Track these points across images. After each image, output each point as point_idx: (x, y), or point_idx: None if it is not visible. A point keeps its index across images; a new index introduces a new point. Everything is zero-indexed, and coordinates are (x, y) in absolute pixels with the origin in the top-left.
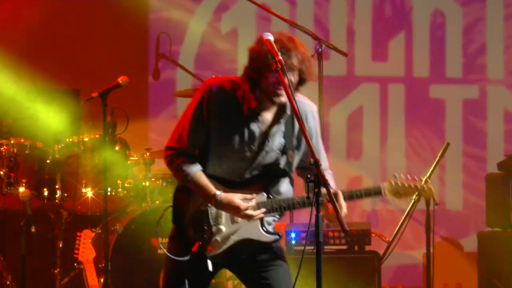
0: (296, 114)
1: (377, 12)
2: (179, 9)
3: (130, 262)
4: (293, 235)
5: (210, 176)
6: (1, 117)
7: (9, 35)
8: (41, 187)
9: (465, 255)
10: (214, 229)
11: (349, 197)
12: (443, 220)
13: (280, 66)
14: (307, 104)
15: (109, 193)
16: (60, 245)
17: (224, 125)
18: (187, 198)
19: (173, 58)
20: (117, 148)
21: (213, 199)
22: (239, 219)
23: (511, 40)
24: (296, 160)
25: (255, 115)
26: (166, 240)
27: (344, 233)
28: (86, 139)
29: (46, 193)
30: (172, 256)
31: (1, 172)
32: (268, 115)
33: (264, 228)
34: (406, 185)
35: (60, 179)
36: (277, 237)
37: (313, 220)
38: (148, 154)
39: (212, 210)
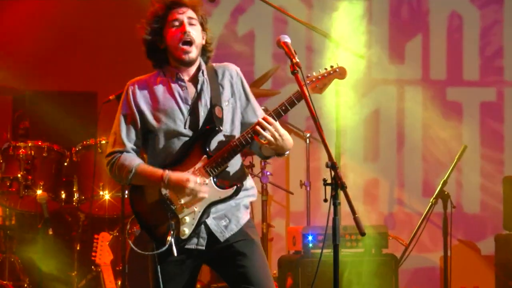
0: (313, 117)
1: (394, 14)
2: None
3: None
4: (310, 238)
5: (161, 164)
6: (19, 120)
7: (27, 38)
8: (58, 189)
9: (483, 258)
10: (177, 210)
11: (277, 114)
12: (460, 223)
13: (297, 69)
14: (227, 66)
15: (126, 196)
16: (78, 248)
17: (157, 107)
18: (141, 197)
19: None
20: None
21: (161, 179)
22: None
23: None
24: (228, 117)
25: (180, 81)
26: None
27: (361, 236)
28: (103, 142)
29: (63, 196)
30: (143, 252)
31: (19, 175)
32: (188, 78)
33: (218, 185)
34: (320, 76)
35: (78, 181)
36: (234, 188)
37: (330, 223)
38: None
39: (167, 195)
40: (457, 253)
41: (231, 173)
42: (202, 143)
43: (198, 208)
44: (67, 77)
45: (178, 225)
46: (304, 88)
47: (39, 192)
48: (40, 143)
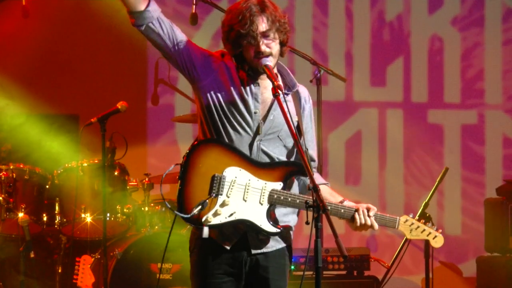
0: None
1: (375, 37)
2: None
3: (129, 287)
4: (292, 260)
5: (229, 145)
6: (0, 143)
7: (9, 61)
8: (40, 212)
9: (464, 280)
10: (220, 198)
11: (378, 221)
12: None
13: (278, 92)
14: (303, 87)
15: (108, 218)
16: (59, 271)
17: (227, 85)
18: (200, 159)
19: (172, 83)
20: (116, 173)
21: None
22: (248, 200)
23: (509, 65)
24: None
25: (254, 80)
26: (165, 265)
27: (343, 258)
28: (85, 164)
29: (45, 219)
30: (179, 213)
31: (0, 198)
32: (265, 84)
33: (268, 215)
34: (420, 226)
35: (59, 204)
36: (277, 230)
37: (312, 245)
38: (147, 179)
39: (228, 179)
40: (439, 275)
41: (285, 213)
42: (286, 172)
43: (236, 214)
44: (49, 100)
45: (209, 209)
46: (286, 110)
47: (20, 215)
48: (22, 166)
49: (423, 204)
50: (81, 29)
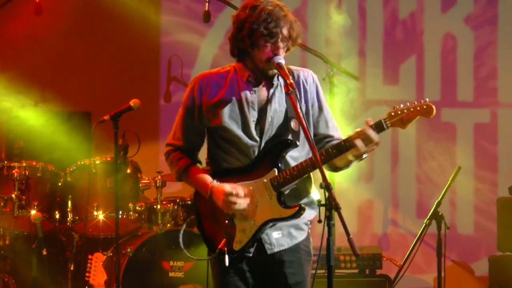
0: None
1: (388, 35)
2: (191, 32)
3: (141, 285)
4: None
5: (225, 171)
6: (13, 140)
7: (21, 58)
8: (52, 209)
9: (476, 279)
10: (235, 219)
11: (378, 128)
12: (454, 244)
13: (291, 90)
14: (305, 71)
15: (120, 216)
16: (72, 268)
17: (222, 107)
18: (205, 199)
19: (185, 81)
20: (128, 171)
21: (207, 190)
22: (257, 203)
23: None
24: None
25: (250, 86)
26: (177, 263)
27: (355, 257)
28: (97, 162)
29: (57, 216)
30: (196, 258)
31: (13, 195)
32: (261, 82)
33: (282, 202)
34: (406, 111)
35: (72, 201)
36: (296, 209)
37: (324, 244)
38: (159, 177)
39: None
40: (451, 274)
41: (300, 192)
42: (273, 155)
43: (256, 221)
44: (62, 97)
45: (233, 235)
46: (298, 108)
47: (33, 212)
48: (34, 163)
49: (435, 203)
50: (94, 26)
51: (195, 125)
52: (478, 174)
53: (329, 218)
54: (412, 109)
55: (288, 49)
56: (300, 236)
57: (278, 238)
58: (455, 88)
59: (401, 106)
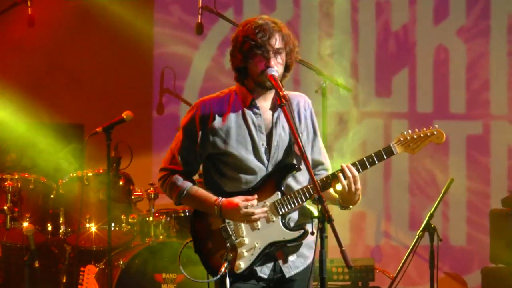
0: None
1: (380, 47)
2: (184, 44)
3: None
4: None
5: (225, 194)
6: (5, 152)
7: (14, 69)
8: (45, 222)
9: None
10: (237, 243)
11: (362, 166)
12: (447, 256)
13: (284, 102)
14: (300, 96)
15: (112, 228)
16: (64, 280)
17: (228, 132)
18: (203, 221)
19: (178, 92)
20: (121, 183)
21: (215, 205)
22: (259, 225)
23: None
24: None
25: (254, 108)
26: (170, 275)
27: (348, 269)
28: (90, 174)
29: (50, 228)
30: (195, 280)
31: (5, 207)
32: (265, 104)
33: (285, 225)
34: (416, 136)
35: (64, 213)
36: (302, 231)
37: (317, 256)
38: (152, 189)
39: (231, 225)
40: (444, 286)
41: (302, 214)
42: (277, 179)
43: (259, 245)
44: (54, 109)
45: (234, 258)
46: (291, 121)
47: (25, 224)
48: (26, 175)
49: (428, 215)
50: (87, 38)
51: (196, 150)
52: (470, 186)
53: (322, 230)
54: (422, 135)
55: (287, 66)
56: (311, 256)
57: (293, 260)
58: (447, 100)
59: (409, 131)
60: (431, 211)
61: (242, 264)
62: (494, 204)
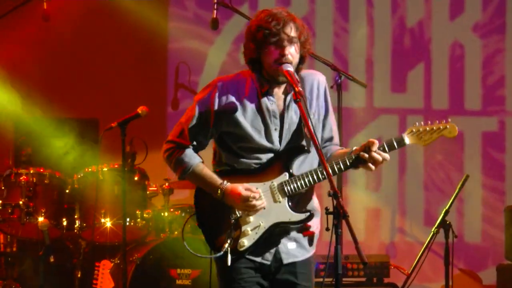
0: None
1: (396, 43)
2: (198, 39)
3: None
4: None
5: (232, 170)
6: (21, 147)
7: (29, 65)
8: (60, 216)
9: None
10: (241, 220)
11: (390, 146)
12: (461, 252)
13: (300, 97)
14: (315, 74)
15: (127, 223)
16: (79, 275)
17: (244, 116)
18: (208, 197)
19: (192, 88)
20: (136, 178)
21: (219, 188)
22: (265, 205)
23: None
24: (317, 137)
25: (269, 95)
26: (184, 270)
27: (363, 265)
28: (105, 169)
29: (65, 223)
30: (197, 254)
31: (20, 202)
32: (279, 90)
33: (292, 207)
34: (428, 128)
35: (79, 208)
36: (307, 214)
37: (332, 252)
38: (167, 184)
39: None
40: (459, 283)
41: (306, 198)
42: (285, 160)
43: (264, 224)
44: (69, 104)
45: (238, 235)
46: (306, 116)
47: (40, 219)
48: (42, 170)
49: (443, 211)
50: (102, 33)
51: (209, 128)
52: (485, 183)
53: (337, 226)
54: (435, 128)
55: (301, 57)
56: (311, 250)
57: (293, 249)
58: (462, 96)
59: (422, 123)
60: (446, 208)
61: (245, 242)
62: (509, 201)
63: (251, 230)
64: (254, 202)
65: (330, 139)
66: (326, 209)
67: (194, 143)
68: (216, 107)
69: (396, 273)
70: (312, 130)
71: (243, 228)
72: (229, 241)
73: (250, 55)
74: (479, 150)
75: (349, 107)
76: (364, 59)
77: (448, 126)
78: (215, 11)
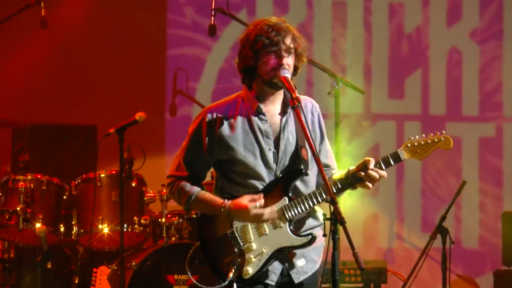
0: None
1: (393, 49)
2: (197, 45)
3: None
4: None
5: (233, 198)
6: (18, 153)
7: (26, 71)
8: (57, 223)
9: None
10: (244, 248)
11: (386, 164)
12: (459, 258)
13: (297, 104)
14: (308, 100)
15: (125, 230)
16: (76, 281)
17: (236, 138)
18: (211, 226)
19: (190, 94)
20: (133, 184)
21: (222, 207)
22: (267, 231)
23: None
24: (315, 146)
25: (260, 114)
26: (182, 276)
27: (360, 271)
28: (102, 175)
29: (62, 229)
30: (203, 286)
31: (18, 208)
32: (273, 108)
33: (293, 231)
34: (423, 142)
35: (77, 215)
36: (309, 237)
37: (329, 258)
38: (164, 190)
39: (238, 230)
40: None
41: (307, 221)
42: (284, 184)
43: (267, 250)
44: (67, 111)
45: (242, 263)
46: (304, 123)
47: (38, 225)
48: (39, 176)
49: (440, 217)
50: (100, 40)
51: (204, 156)
52: (483, 188)
53: (334, 232)
54: (429, 141)
55: (295, 68)
56: (319, 260)
57: (303, 266)
58: (460, 102)
59: (417, 137)
60: (444, 214)
61: (250, 270)
62: (506, 207)
63: (255, 257)
64: (262, 210)
65: (328, 166)
66: (324, 215)
67: (192, 173)
68: (207, 133)
69: (394, 279)
70: (309, 134)
71: (247, 256)
72: (234, 270)
73: (246, 63)
74: (477, 156)
75: (347, 113)
76: (361, 65)
77: (442, 138)
78: (213, 18)
